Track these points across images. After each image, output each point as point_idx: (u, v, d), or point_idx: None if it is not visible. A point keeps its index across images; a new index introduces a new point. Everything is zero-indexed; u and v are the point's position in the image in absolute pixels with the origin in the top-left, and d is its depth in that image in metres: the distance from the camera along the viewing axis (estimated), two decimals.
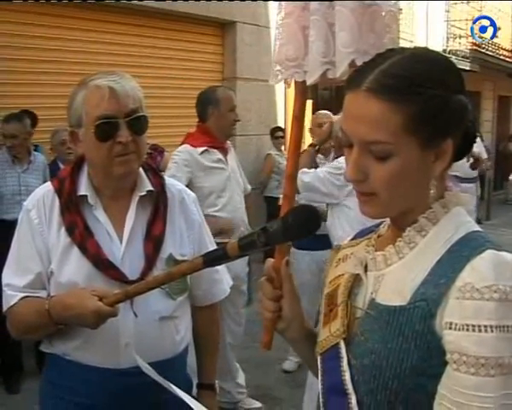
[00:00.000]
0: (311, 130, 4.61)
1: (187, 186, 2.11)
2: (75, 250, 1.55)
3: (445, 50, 11.78)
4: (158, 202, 1.65)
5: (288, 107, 7.90)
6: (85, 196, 1.60)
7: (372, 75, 0.92)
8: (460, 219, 0.97)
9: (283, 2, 1.15)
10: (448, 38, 12.79)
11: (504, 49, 14.61)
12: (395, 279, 0.96)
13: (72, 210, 1.58)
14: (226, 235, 3.22)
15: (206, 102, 3.52)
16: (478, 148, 7.85)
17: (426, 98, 0.90)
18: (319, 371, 1.05)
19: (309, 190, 3.32)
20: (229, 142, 3.71)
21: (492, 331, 0.83)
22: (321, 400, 1.04)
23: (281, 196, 1.31)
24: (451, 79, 0.94)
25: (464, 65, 11.65)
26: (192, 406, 1.30)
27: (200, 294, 1.77)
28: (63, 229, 1.57)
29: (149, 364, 1.46)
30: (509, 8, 14.64)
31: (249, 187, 4.00)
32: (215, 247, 1.67)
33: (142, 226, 1.61)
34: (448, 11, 12.83)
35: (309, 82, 1.13)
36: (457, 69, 0.98)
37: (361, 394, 0.95)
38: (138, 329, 1.54)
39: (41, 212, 1.59)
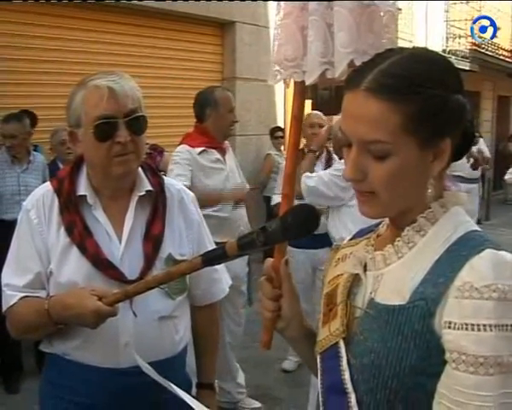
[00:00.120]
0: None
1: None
2: (74, 250, 1.55)
3: (444, 50, 11.79)
4: (157, 202, 1.65)
5: (288, 107, 7.88)
6: (84, 196, 1.60)
7: (371, 75, 0.92)
8: (459, 219, 0.97)
9: (282, 3, 1.15)
10: (447, 38, 12.80)
11: (504, 49, 14.62)
12: (394, 279, 0.97)
13: (71, 210, 1.58)
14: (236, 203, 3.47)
15: (204, 104, 3.50)
16: (482, 146, 7.90)
17: (425, 98, 0.90)
18: (319, 371, 1.05)
19: (314, 194, 3.30)
20: (227, 142, 3.70)
21: (491, 330, 0.83)
22: (320, 399, 1.04)
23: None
24: (450, 79, 0.95)
25: (464, 65, 11.66)
26: (192, 405, 1.30)
27: (199, 293, 1.77)
28: (62, 229, 1.57)
29: (149, 363, 1.46)
30: (508, 8, 14.66)
31: (247, 186, 4.00)
32: (214, 246, 1.67)
33: (142, 226, 1.61)
34: (447, 11, 12.85)
35: (308, 82, 1.13)
36: (456, 69, 0.98)
37: (360, 393, 0.95)
38: (138, 328, 1.54)
39: (40, 212, 1.59)
